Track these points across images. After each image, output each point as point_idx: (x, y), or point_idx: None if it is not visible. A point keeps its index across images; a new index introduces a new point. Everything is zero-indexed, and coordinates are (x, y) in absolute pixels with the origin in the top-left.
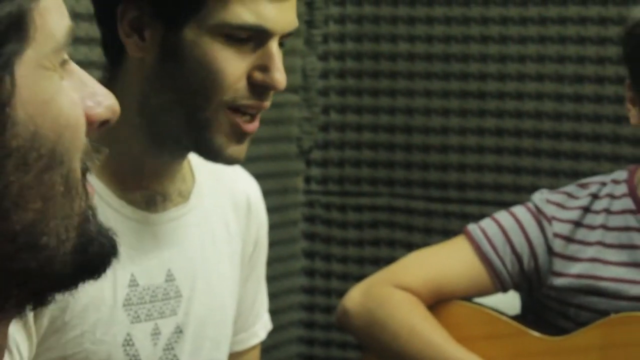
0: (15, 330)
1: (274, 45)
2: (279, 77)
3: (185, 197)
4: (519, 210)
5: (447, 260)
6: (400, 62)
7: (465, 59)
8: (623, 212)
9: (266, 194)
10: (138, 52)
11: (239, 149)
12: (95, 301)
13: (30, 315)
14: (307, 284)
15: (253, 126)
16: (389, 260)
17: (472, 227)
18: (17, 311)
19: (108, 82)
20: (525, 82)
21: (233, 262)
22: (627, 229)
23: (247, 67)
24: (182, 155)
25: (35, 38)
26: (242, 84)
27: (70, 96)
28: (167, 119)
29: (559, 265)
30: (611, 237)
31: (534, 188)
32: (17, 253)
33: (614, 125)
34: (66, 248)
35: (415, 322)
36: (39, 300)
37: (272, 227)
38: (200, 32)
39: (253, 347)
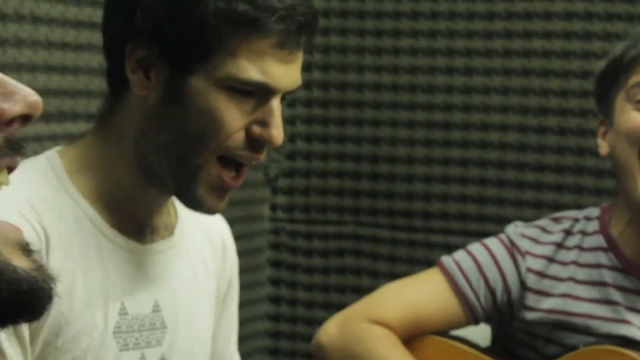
0: (13, 353)
1: (275, 102)
2: (277, 133)
3: (170, 231)
4: (493, 243)
5: (422, 294)
6: (366, 91)
7: (430, 89)
8: (594, 249)
9: (233, 221)
10: (142, 90)
11: (219, 203)
12: (87, 328)
13: (27, 337)
14: (272, 311)
15: (237, 182)
16: (355, 288)
17: (446, 260)
18: None
19: (107, 112)
20: (490, 114)
21: (210, 299)
22: (598, 266)
23: (248, 120)
24: (169, 194)
25: None
26: (239, 136)
27: None
28: (159, 159)
29: (531, 299)
30: (582, 274)
31: (499, 218)
32: None
33: (577, 157)
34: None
35: (393, 359)
36: None
37: (239, 254)
38: (206, 81)
39: None
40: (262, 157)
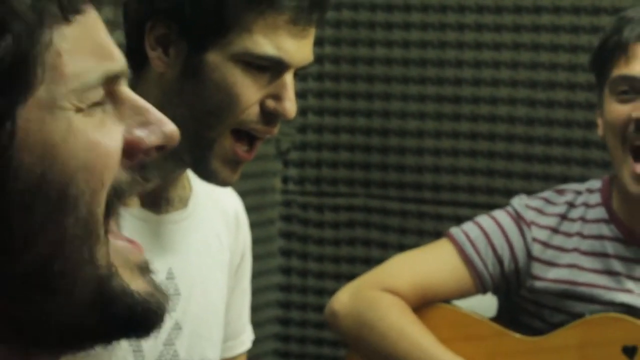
0: None
1: (289, 77)
2: (291, 107)
3: (184, 203)
4: (499, 214)
5: (432, 264)
6: (377, 66)
7: (441, 64)
8: (597, 221)
9: (244, 193)
10: (161, 67)
11: (232, 175)
12: None
13: None
14: (283, 282)
15: (249, 155)
16: (365, 260)
17: (455, 231)
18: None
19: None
20: (500, 88)
21: (223, 271)
22: (600, 237)
23: (262, 94)
24: (184, 167)
25: (45, 79)
26: (254, 110)
27: (88, 137)
28: None
29: (537, 269)
30: (586, 245)
31: (507, 190)
32: (30, 295)
33: (585, 130)
34: (83, 298)
35: (404, 325)
36: (71, 349)
37: (250, 226)
38: (223, 56)
39: (240, 355)
40: (276, 130)
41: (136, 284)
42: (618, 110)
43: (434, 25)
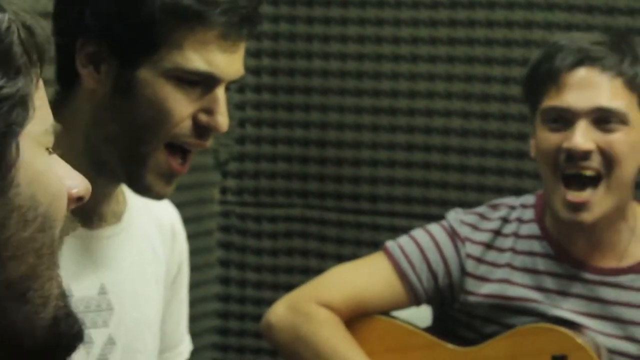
0: None
1: (220, 91)
2: (223, 120)
3: (118, 218)
4: (435, 229)
5: (368, 278)
6: (314, 78)
7: (377, 76)
8: (530, 237)
9: (183, 204)
10: (92, 84)
11: (166, 189)
12: None
13: None
14: (222, 292)
15: (183, 168)
16: (303, 270)
17: (391, 245)
18: None
19: (58, 104)
20: (435, 100)
21: (159, 283)
22: (532, 253)
23: (194, 109)
24: (118, 182)
25: (34, 117)
26: (187, 124)
27: (57, 172)
28: (109, 149)
29: (470, 284)
30: (519, 261)
31: (442, 201)
32: (8, 302)
33: (519, 142)
34: (46, 314)
35: (336, 342)
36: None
37: (189, 236)
38: (154, 72)
39: None
40: (208, 143)
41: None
42: (549, 139)
43: (370, 38)
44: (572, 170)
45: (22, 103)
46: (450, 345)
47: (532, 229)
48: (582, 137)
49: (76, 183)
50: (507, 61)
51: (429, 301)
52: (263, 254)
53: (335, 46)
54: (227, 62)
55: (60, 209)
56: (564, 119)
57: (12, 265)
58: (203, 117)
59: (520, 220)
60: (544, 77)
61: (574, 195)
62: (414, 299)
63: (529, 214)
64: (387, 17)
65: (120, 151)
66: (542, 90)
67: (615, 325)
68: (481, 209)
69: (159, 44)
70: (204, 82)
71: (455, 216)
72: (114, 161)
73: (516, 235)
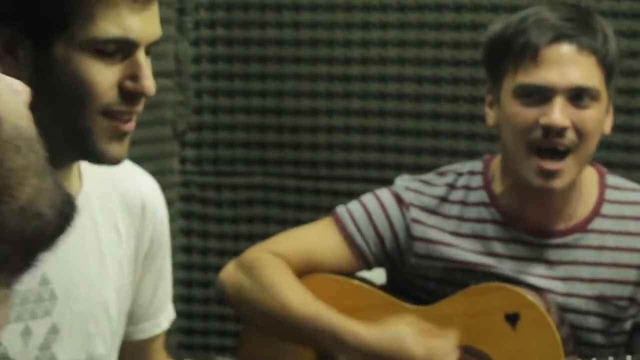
0: None
1: (141, 55)
2: (148, 84)
3: None
4: (383, 194)
5: (317, 239)
6: (269, 47)
7: (330, 44)
8: (478, 204)
9: None
10: (13, 72)
11: (120, 149)
12: None
13: None
14: (184, 261)
15: (130, 126)
16: (264, 236)
17: (340, 210)
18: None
19: None
20: (388, 66)
21: (122, 263)
22: (481, 220)
23: (118, 77)
24: (70, 164)
25: None
26: (113, 93)
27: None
28: (52, 133)
29: (419, 247)
30: (467, 228)
31: (398, 165)
32: (25, 223)
33: (471, 105)
34: (54, 213)
35: (281, 280)
36: (33, 261)
37: None
38: (70, 48)
39: (156, 336)
40: (140, 108)
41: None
42: (524, 114)
43: (323, 6)
44: (546, 144)
45: None
46: (406, 304)
47: (481, 195)
48: (560, 114)
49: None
50: (458, 26)
51: (378, 264)
52: (224, 222)
53: (288, 15)
54: (141, 24)
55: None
56: (541, 95)
57: (16, 193)
58: (129, 84)
59: (467, 188)
60: (518, 51)
61: (550, 164)
62: (364, 263)
63: (476, 181)
64: None
65: (64, 130)
66: (516, 64)
67: (564, 284)
68: (427, 176)
69: (70, 18)
70: (121, 49)
71: (401, 183)
72: (61, 140)
73: (463, 203)
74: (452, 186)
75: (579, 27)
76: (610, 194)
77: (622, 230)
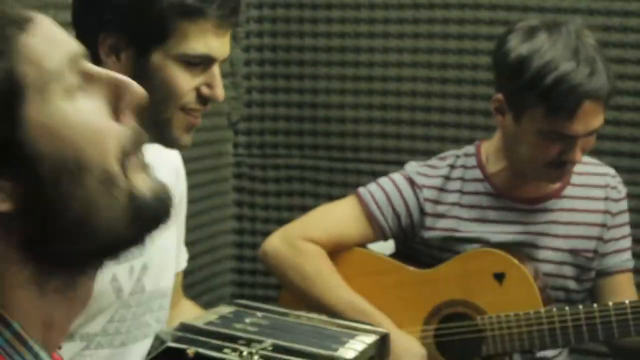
0: None
1: (216, 68)
2: (220, 92)
3: None
4: (398, 178)
5: (344, 220)
6: (306, 53)
7: (356, 50)
8: (474, 180)
9: (203, 157)
10: (115, 70)
11: (188, 138)
12: None
13: None
14: (236, 227)
15: (199, 121)
16: (301, 207)
17: (362, 192)
18: (96, 266)
19: None
20: (403, 68)
21: (175, 215)
22: (477, 193)
23: (197, 83)
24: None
25: (30, 84)
26: (192, 95)
27: (87, 111)
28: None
29: (429, 221)
30: (466, 199)
31: (411, 150)
32: (78, 240)
33: (471, 101)
34: (120, 222)
35: (321, 270)
36: (115, 254)
37: (209, 182)
38: (164, 58)
39: (178, 274)
40: (209, 107)
41: (146, 186)
42: (546, 149)
43: (350, 19)
44: (558, 166)
45: (7, 86)
46: (411, 268)
47: (475, 173)
48: (580, 152)
49: (124, 92)
50: (460, 36)
51: (394, 236)
52: (269, 195)
53: (322, 26)
54: (220, 45)
55: (98, 149)
56: (566, 138)
57: (63, 215)
58: (205, 90)
59: (464, 167)
60: (552, 106)
61: (560, 174)
62: (382, 235)
63: (471, 161)
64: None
65: (146, 120)
66: (547, 112)
67: (544, 239)
68: (432, 161)
69: (168, 35)
70: (203, 63)
71: (411, 169)
72: (144, 128)
73: (462, 179)
74: (452, 166)
75: (604, 83)
76: (577, 168)
77: (588, 195)
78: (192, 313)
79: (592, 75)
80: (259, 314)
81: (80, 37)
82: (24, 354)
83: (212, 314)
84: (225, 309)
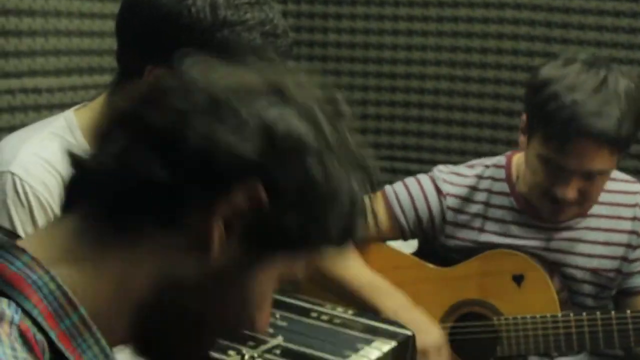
0: None
1: None
2: None
3: None
4: (425, 181)
5: None
6: (329, 48)
7: (380, 47)
8: (500, 193)
9: None
10: None
11: None
12: None
13: None
14: None
15: None
16: None
17: (388, 191)
18: None
19: (118, 84)
20: (426, 66)
21: None
22: (502, 207)
23: None
24: None
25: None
26: None
27: (265, 306)
28: None
29: (449, 230)
30: (491, 212)
31: (433, 148)
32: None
33: (493, 115)
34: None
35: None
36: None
37: None
38: None
39: None
40: None
41: None
42: (542, 175)
43: (374, 16)
44: (554, 201)
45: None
46: (431, 266)
47: (503, 187)
48: (572, 190)
49: (263, 326)
50: (485, 35)
51: (414, 237)
52: None
53: (346, 22)
54: None
55: (233, 331)
56: (559, 171)
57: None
58: None
59: (493, 179)
60: (550, 134)
61: (558, 209)
62: (401, 235)
63: (500, 173)
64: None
65: None
66: (546, 140)
67: (566, 257)
68: (460, 168)
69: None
70: None
71: (439, 174)
72: None
73: (489, 191)
74: (480, 177)
75: (610, 124)
76: (607, 185)
77: (614, 214)
78: None
79: (598, 115)
80: (278, 314)
81: (125, 69)
82: (87, 338)
83: None
84: None
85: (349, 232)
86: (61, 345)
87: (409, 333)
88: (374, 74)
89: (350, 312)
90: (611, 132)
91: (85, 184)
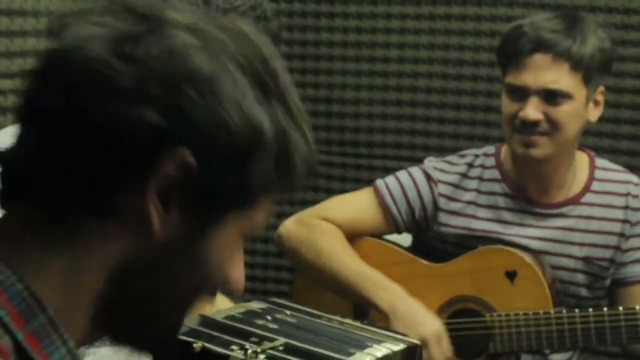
0: None
1: None
2: None
3: None
4: (415, 172)
5: (359, 208)
6: (322, 47)
7: (372, 45)
8: (491, 180)
9: None
10: None
11: None
12: None
13: None
14: None
15: None
16: (313, 202)
17: (379, 183)
18: None
19: None
20: (419, 64)
21: None
22: (493, 194)
23: None
24: None
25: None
26: None
27: (233, 259)
28: None
29: (442, 217)
30: (482, 199)
31: (425, 147)
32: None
33: (487, 98)
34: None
35: (335, 246)
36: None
37: None
38: None
39: None
40: None
41: None
42: (509, 106)
43: (366, 14)
44: (525, 134)
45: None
46: (424, 261)
47: (494, 173)
48: (532, 109)
49: (237, 282)
50: (477, 33)
51: (408, 229)
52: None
53: (338, 21)
54: None
55: (207, 286)
56: (521, 93)
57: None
58: None
59: (483, 167)
60: (508, 57)
61: (527, 137)
62: (394, 227)
63: (490, 161)
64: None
65: None
66: (507, 65)
67: (559, 246)
68: (450, 157)
69: None
70: None
71: (429, 164)
72: None
73: (480, 178)
74: (470, 165)
75: (560, 37)
76: (598, 174)
77: (607, 203)
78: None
79: (555, 32)
80: (288, 312)
81: None
82: (54, 339)
83: (239, 308)
84: (255, 305)
85: (288, 170)
86: (29, 347)
87: (418, 342)
88: (366, 73)
89: (359, 323)
90: (567, 46)
91: (12, 182)
